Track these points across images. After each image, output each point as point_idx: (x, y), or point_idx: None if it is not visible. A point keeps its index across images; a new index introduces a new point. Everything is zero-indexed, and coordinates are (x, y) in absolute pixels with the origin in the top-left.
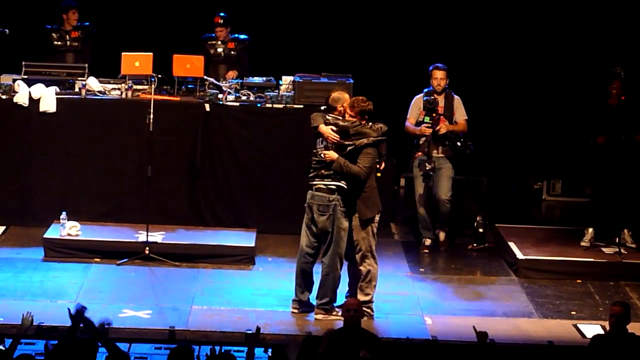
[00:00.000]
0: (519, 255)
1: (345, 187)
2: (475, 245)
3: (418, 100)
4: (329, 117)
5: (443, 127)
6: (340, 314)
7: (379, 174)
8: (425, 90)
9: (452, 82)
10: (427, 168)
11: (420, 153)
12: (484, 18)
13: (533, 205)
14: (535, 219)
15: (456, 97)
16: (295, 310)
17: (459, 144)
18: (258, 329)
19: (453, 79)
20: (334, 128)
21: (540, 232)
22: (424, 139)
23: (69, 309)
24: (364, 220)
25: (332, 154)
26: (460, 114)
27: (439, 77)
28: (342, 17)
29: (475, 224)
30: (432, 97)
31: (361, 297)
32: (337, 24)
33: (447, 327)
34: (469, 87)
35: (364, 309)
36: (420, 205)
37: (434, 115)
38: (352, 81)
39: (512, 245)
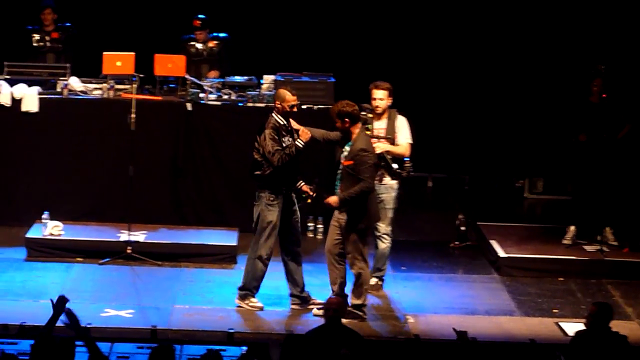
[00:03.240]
0: (501, 253)
1: (272, 178)
2: (457, 243)
3: None
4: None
5: (377, 147)
6: (255, 305)
7: (309, 201)
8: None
9: (439, 79)
10: None
11: None
12: (467, 15)
13: (515, 203)
14: (517, 217)
15: (401, 117)
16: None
17: (395, 166)
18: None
19: (439, 76)
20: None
21: (522, 230)
22: None
23: (51, 299)
24: (348, 227)
25: (332, 199)
26: (403, 137)
27: (378, 96)
28: (324, 16)
29: (457, 222)
30: (363, 113)
31: (353, 301)
32: (318, 23)
33: (429, 326)
34: (452, 84)
35: (355, 312)
36: None
37: (366, 132)
38: (333, 80)
39: (493, 243)
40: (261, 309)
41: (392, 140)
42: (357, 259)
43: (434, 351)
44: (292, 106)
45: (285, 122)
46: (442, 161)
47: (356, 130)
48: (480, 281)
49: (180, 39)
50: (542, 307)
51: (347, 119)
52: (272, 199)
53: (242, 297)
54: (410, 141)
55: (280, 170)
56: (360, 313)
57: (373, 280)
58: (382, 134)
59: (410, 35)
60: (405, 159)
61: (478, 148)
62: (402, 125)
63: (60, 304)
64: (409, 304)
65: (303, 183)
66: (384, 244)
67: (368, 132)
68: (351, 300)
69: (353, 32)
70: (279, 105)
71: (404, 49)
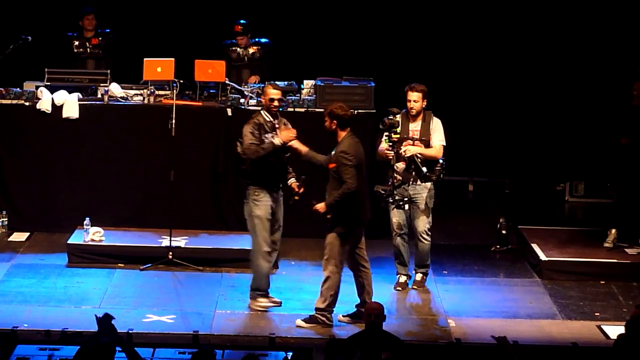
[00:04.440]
0: (542, 256)
1: (256, 173)
2: (498, 247)
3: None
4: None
5: (408, 150)
6: (262, 304)
7: (296, 197)
8: (404, 110)
9: (480, 83)
10: (384, 198)
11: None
12: (507, 17)
13: (556, 206)
14: (558, 220)
15: (436, 119)
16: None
17: (424, 169)
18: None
19: (481, 80)
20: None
21: (563, 234)
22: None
23: (96, 315)
24: (329, 228)
25: (319, 206)
26: (437, 138)
27: (413, 98)
28: (364, 21)
29: (498, 225)
30: (390, 117)
31: (316, 304)
32: (359, 28)
33: (471, 329)
34: (493, 87)
35: (317, 316)
36: (394, 236)
37: (394, 137)
38: (373, 84)
39: (535, 246)
40: (266, 309)
41: (426, 143)
42: (330, 262)
43: (475, 355)
44: (272, 100)
45: (272, 120)
46: (482, 165)
47: (343, 134)
48: (522, 285)
49: (221, 44)
50: (584, 310)
51: (335, 121)
52: (257, 194)
53: (252, 298)
54: (444, 143)
55: (263, 165)
56: (323, 318)
57: (418, 276)
58: (417, 136)
59: (450, 38)
60: (440, 160)
61: (519, 151)
62: (437, 127)
63: (105, 321)
64: (451, 307)
65: (293, 180)
66: (423, 243)
67: (395, 136)
68: (315, 303)
69: (393, 36)
70: (262, 100)
71: (443, 52)
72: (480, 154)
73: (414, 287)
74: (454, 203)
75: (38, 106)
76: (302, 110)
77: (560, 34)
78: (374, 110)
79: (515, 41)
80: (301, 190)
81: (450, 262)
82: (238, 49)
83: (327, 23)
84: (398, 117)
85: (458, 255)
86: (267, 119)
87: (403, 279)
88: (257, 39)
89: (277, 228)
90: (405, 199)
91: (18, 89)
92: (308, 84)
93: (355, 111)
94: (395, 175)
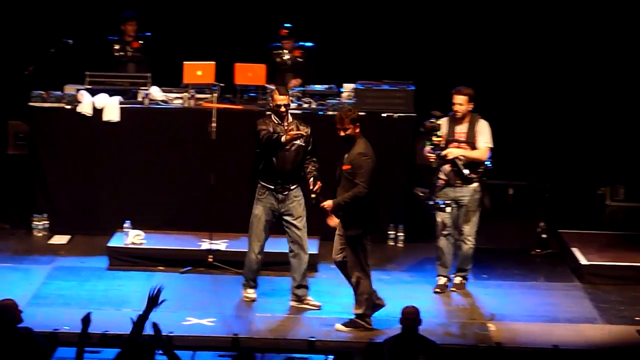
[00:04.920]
0: (583, 260)
1: (263, 174)
2: (538, 250)
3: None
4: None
5: (450, 153)
6: (249, 296)
7: (313, 195)
8: (450, 113)
9: (519, 87)
10: (422, 198)
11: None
12: (547, 21)
13: (596, 210)
14: (599, 224)
15: (482, 121)
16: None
17: (466, 171)
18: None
19: (519, 83)
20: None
21: (604, 238)
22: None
23: (131, 318)
24: (344, 235)
25: (327, 203)
26: (482, 140)
27: (457, 101)
28: (405, 24)
29: (538, 229)
30: (431, 120)
31: (355, 310)
32: (400, 31)
33: (511, 333)
34: (533, 91)
35: (358, 321)
36: (439, 236)
37: (434, 140)
38: (413, 88)
39: (575, 250)
40: (254, 300)
41: (472, 145)
42: (355, 268)
43: (515, 359)
44: (278, 106)
45: (280, 122)
46: (522, 169)
47: (358, 136)
48: (562, 289)
49: (267, 47)
50: (624, 314)
51: (357, 124)
52: (260, 193)
53: (243, 286)
54: (490, 145)
55: (268, 166)
56: (363, 322)
57: (457, 279)
58: (463, 138)
59: (490, 41)
60: (486, 162)
61: (559, 155)
62: (483, 130)
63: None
64: (490, 311)
65: (311, 179)
66: (467, 246)
67: (437, 139)
68: (353, 309)
69: (434, 39)
70: (271, 105)
71: (483, 55)
72: (520, 157)
73: (453, 289)
74: (494, 207)
75: (78, 109)
76: None
77: (602, 36)
78: (414, 114)
79: (555, 44)
80: (317, 187)
81: (490, 266)
82: (283, 53)
83: (368, 26)
84: (440, 120)
85: (498, 259)
86: (276, 122)
87: (442, 280)
88: (301, 43)
89: (292, 227)
90: (449, 201)
91: (59, 92)
92: (348, 87)
93: (397, 115)
94: (439, 177)
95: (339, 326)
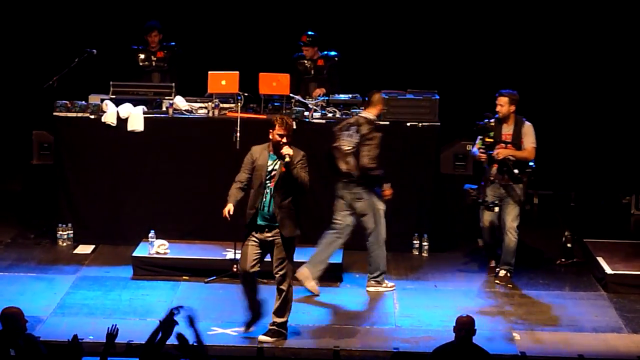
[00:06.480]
0: (608, 270)
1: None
2: (563, 260)
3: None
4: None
5: (500, 153)
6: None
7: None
8: (496, 116)
9: (544, 97)
10: (472, 197)
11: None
12: (572, 32)
13: (621, 219)
14: (624, 233)
15: (527, 123)
16: None
17: (516, 171)
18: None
19: (544, 94)
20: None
21: (629, 247)
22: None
23: (159, 320)
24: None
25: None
26: (528, 141)
27: (499, 103)
28: (430, 34)
29: (564, 238)
30: (484, 122)
31: (277, 319)
32: (424, 40)
33: (536, 343)
34: (558, 101)
35: (280, 330)
36: (483, 236)
37: (487, 140)
38: (437, 97)
39: (600, 260)
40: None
41: (517, 146)
42: (290, 275)
43: None
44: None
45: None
46: (548, 178)
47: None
48: (587, 298)
49: (291, 57)
50: None
51: None
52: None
53: (378, 282)
54: (535, 145)
55: None
56: (285, 331)
57: (502, 272)
58: (509, 139)
59: (515, 51)
60: (530, 163)
61: (584, 164)
62: (528, 131)
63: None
64: (516, 320)
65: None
66: (510, 238)
67: (489, 140)
68: (276, 318)
69: (459, 49)
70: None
71: (508, 65)
72: (545, 166)
73: (497, 282)
74: (520, 216)
75: (103, 119)
76: None
77: (629, 47)
78: (439, 123)
79: (581, 54)
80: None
81: (516, 275)
82: (305, 62)
83: (392, 35)
84: (492, 122)
85: (523, 268)
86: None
87: (494, 263)
88: (325, 52)
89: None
90: (496, 200)
91: (83, 102)
92: None
93: (421, 124)
94: (489, 177)
95: (262, 337)
